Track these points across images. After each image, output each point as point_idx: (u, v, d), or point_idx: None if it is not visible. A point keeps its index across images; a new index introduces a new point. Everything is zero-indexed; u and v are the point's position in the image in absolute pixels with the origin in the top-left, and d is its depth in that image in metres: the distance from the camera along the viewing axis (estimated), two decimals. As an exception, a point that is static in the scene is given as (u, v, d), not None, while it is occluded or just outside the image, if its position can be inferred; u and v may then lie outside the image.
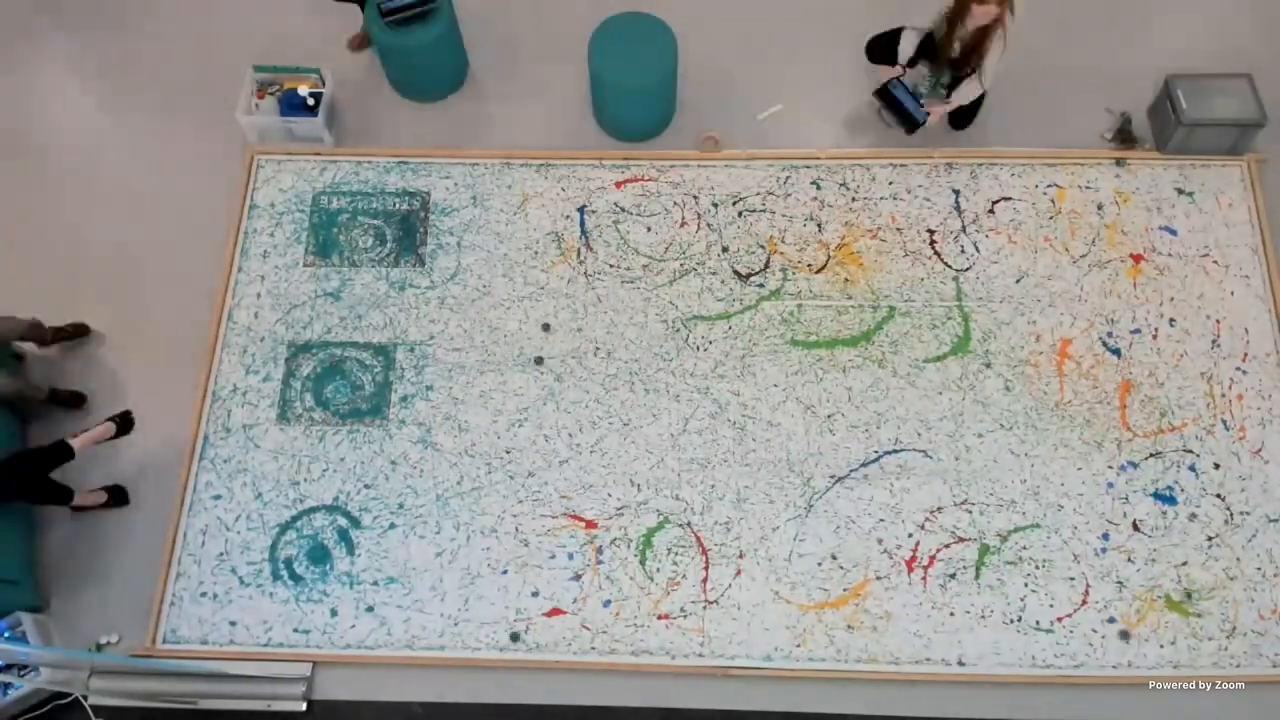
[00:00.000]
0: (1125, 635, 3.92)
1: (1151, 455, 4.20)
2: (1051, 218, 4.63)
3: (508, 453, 4.26)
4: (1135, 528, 4.09)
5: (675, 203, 4.71)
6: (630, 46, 4.57)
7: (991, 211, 4.65)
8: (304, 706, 3.89)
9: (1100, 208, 4.65)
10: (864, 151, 4.80)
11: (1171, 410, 4.27)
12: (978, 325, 4.43)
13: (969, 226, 4.62)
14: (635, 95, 4.66)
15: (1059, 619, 3.96)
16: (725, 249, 4.61)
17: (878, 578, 4.03)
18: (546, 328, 4.42)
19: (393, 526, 4.14)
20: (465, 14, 4.90)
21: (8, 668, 3.77)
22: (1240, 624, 3.94)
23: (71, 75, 5.12)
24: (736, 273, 4.56)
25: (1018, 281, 4.51)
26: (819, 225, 4.64)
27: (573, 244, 4.64)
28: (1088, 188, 4.69)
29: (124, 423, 4.07)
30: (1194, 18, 5.13)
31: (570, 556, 4.08)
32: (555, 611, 4.01)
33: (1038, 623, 3.96)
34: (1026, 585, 4.01)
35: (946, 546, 4.07)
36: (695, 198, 4.71)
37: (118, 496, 4.20)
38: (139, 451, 4.29)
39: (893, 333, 4.43)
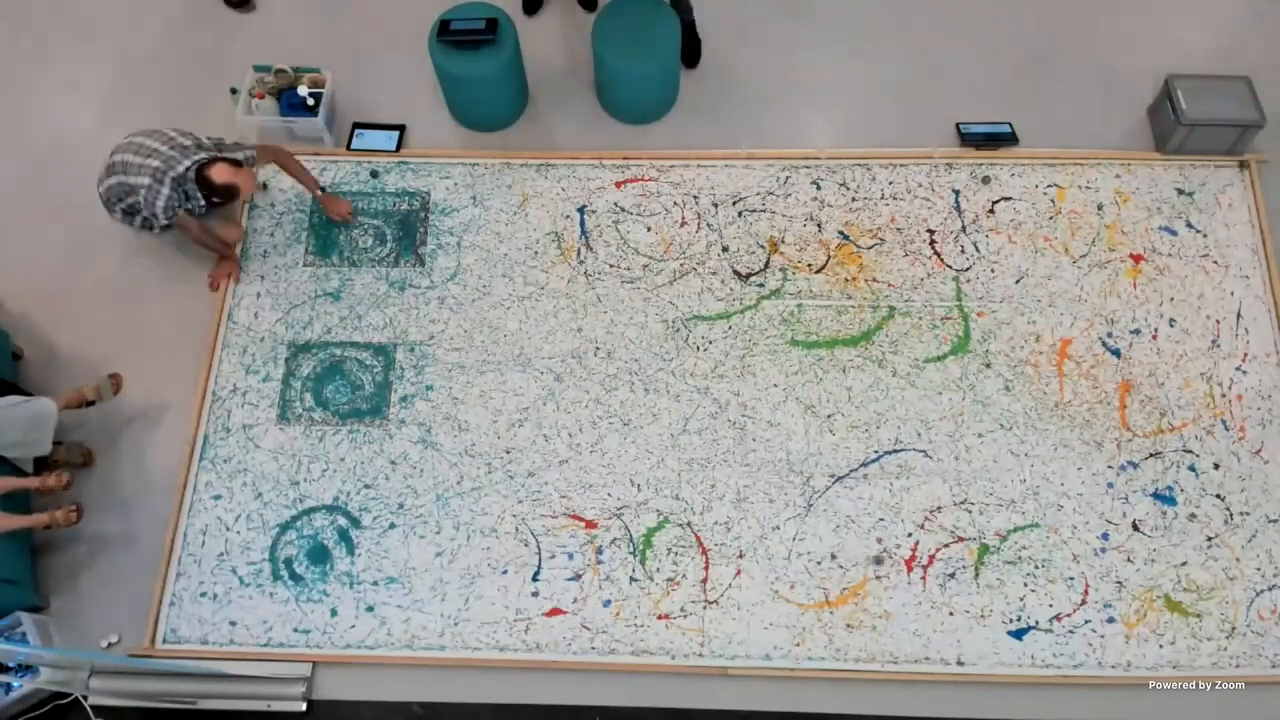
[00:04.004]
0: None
1: (1151, 455, 4.20)
2: (1051, 218, 4.63)
3: (508, 453, 4.26)
4: (1135, 528, 4.09)
5: (675, 203, 4.71)
6: (633, 30, 4.61)
7: (991, 211, 4.65)
8: (304, 706, 3.89)
9: (1100, 208, 4.65)
10: (864, 151, 4.80)
11: (1171, 410, 4.28)
12: (978, 325, 4.44)
13: (969, 226, 4.62)
14: (637, 79, 4.69)
15: (1058, 618, 3.97)
16: (725, 249, 4.61)
17: (877, 577, 4.03)
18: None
19: (393, 526, 4.15)
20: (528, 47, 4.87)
21: (7, 668, 3.76)
22: (1240, 624, 3.95)
23: (71, 75, 5.12)
24: (736, 273, 4.56)
25: (1018, 281, 4.51)
26: (819, 225, 4.64)
27: (573, 244, 4.64)
28: (1088, 188, 4.69)
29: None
30: (1194, 18, 5.13)
31: (570, 556, 4.08)
32: (555, 611, 4.01)
33: (1037, 622, 3.96)
34: (1026, 585, 4.01)
35: (946, 546, 4.07)
36: (695, 198, 4.71)
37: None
38: (139, 450, 4.30)
39: (893, 333, 4.43)
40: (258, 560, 4.11)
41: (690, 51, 4.97)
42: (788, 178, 4.75)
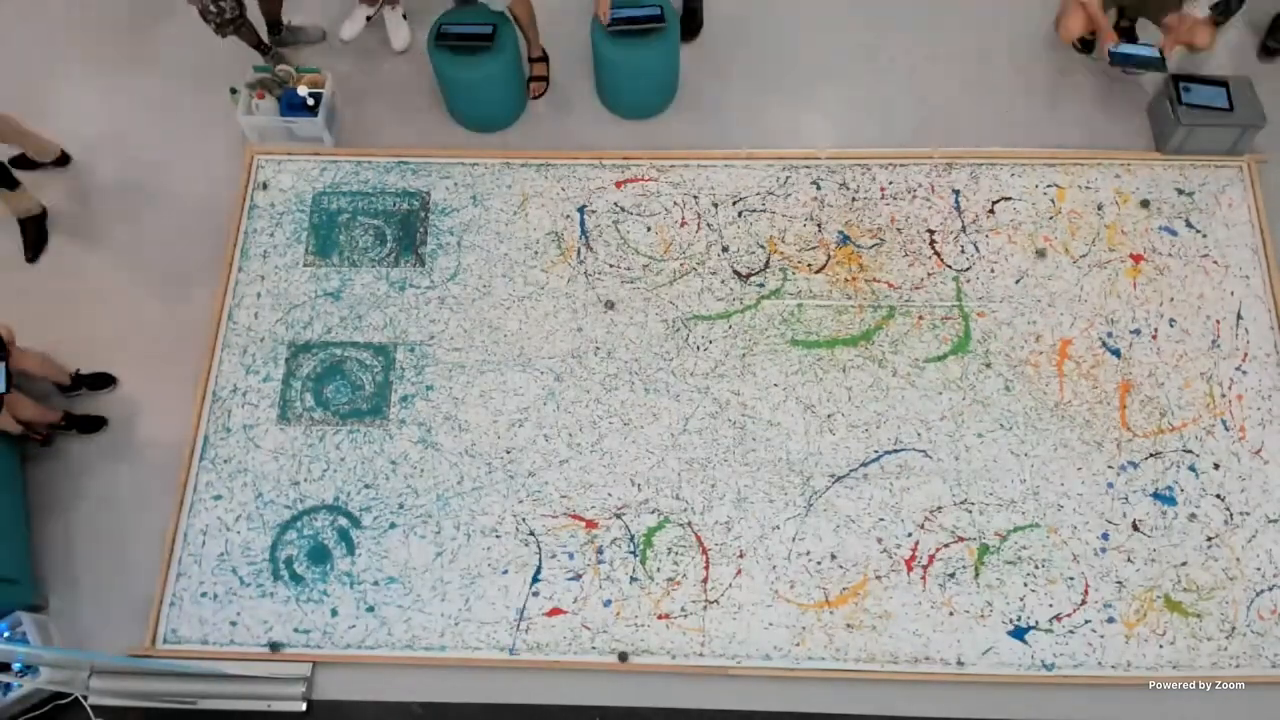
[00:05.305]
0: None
1: (1151, 455, 4.20)
2: (1051, 218, 4.63)
3: (508, 452, 4.26)
4: (1135, 528, 4.09)
5: (675, 203, 4.71)
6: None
7: (991, 211, 4.65)
8: (304, 707, 3.89)
9: (1100, 208, 4.65)
10: (864, 151, 4.80)
11: (1171, 410, 4.28)
12: (978, 325, 4.44)
13: (969, 226, 4.63)
14: (637, 70, 4.68)
15: (1058, 618, 3.97)
16: (725, 249, 4.61)
17: (877, 577, 4.03)
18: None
19: (393, 526, 4.15)
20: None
21: (8, 668, 3.76)
22: (1240, 624, 3.95)
23: (71, 75, 5.12)
24: (736, 272, 4.56)
25: (1018, 281, 4.52)
26: (819, 225, 4.65)
27: (573, 244, 4.64)
28: (1088, 188, 4.69)
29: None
30: (1194, 18, 5.13)
31: (570, 556, 4.08)
32: (555, 611, 4.01)
33: (1037, 622, 3.96)
34: (1026, 585, 4.01)
35: (946, 546, 4.07)
36: (695, 198, 4.71)
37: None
38: (139, 451, 4.30)
39: (893, 333, 4.43)
40: (258, 560, 4.11)
41: (689, 25, 5.00)
42: (788, 178, 4.75)
